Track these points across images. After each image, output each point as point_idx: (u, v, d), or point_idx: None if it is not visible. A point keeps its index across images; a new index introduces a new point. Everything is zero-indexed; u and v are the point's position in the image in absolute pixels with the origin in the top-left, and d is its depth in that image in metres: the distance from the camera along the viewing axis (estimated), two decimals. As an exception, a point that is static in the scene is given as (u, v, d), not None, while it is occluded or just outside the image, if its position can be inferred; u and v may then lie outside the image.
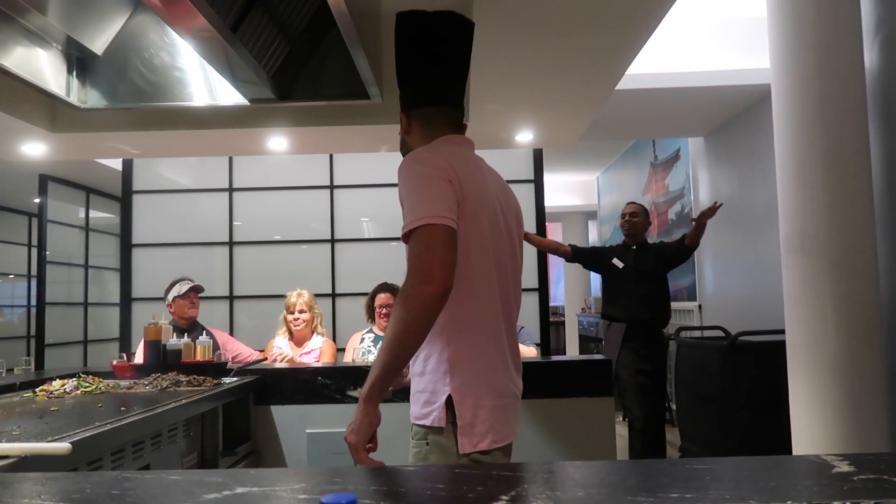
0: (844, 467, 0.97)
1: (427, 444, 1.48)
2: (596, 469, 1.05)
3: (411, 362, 1.54)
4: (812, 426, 3.06)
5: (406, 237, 1.41)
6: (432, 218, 1.37)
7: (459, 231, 1.43)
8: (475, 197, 1.49)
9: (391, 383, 1.39)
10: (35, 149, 3.72)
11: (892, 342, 3.19)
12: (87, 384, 2.56)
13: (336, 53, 2.98)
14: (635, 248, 4.28)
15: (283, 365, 3.40)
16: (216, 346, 3.40)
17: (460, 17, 1.61)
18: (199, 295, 3.81)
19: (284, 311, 3.87)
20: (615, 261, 4.23)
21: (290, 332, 3.84)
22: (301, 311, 3.79)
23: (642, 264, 4.19)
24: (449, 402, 1.46)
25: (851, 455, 1.03)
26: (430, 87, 1.60)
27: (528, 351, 3.76)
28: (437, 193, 1.41)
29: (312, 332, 3.84)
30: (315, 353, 3.78)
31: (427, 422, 1.48)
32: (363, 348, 3.72)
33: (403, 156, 1.60)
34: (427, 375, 1.50)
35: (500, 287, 1.55)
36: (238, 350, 3.80)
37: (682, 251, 4.16)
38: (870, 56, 3.52)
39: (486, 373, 1.50)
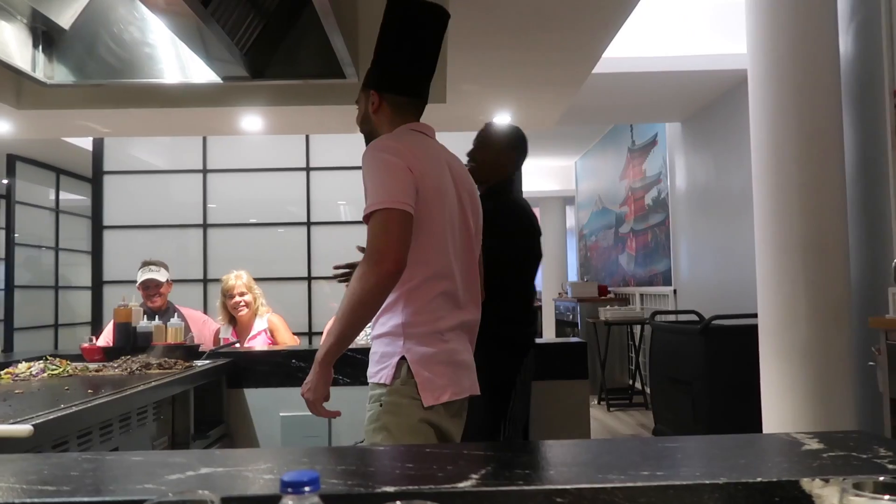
0: (814, 445, 0.97)
1: (381, 405, 1.58)
2: (568, 448, 1.05)
3: (370, 326, 1.65)
4: (782, 407, 3.10)
5: (367, 218, 1.52)
6: (391, 202, 1.49)
7: (417, 213, 1.53)
8: (433, 185, 1.60)
9: (345, 349, 1.53)
10: (0, 126, 3.62)
11: (861, 326, 3.24)
12: (54, 367, 2.50)
13: (311, 31, 2.91)
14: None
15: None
16: (187, 328, 3.35)
17: (444, 10, 1.70)
18: (173, 279, 3.71)
19: (221, 297, 3.57)
20: None
21: (234, 320, 3.59)
22: (241, 294, 3.50)
23: None
24: (402, 363, 1.57)
25: (821, 433, 1.03)
26: (410, 78, 1.69)
27: None
28: (397, 180, 1.52)
29: (255, 315, 3.58)
30: (264, 335, 3.55)
31: (376, 379, 1.60)
32: None
33: (360, 129, 1.77)
34: (384, 338, 1.61)
35: (456, 266, 1.66)
36: (214, 329, 3.72)
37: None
38: (844, 42, 3.54)
39: (440, 340, 1.61)
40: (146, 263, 3.61)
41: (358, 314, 1.48)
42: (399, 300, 1.59)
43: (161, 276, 3.56)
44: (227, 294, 3.55)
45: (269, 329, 3.59)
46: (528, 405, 2.52)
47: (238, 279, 3.54)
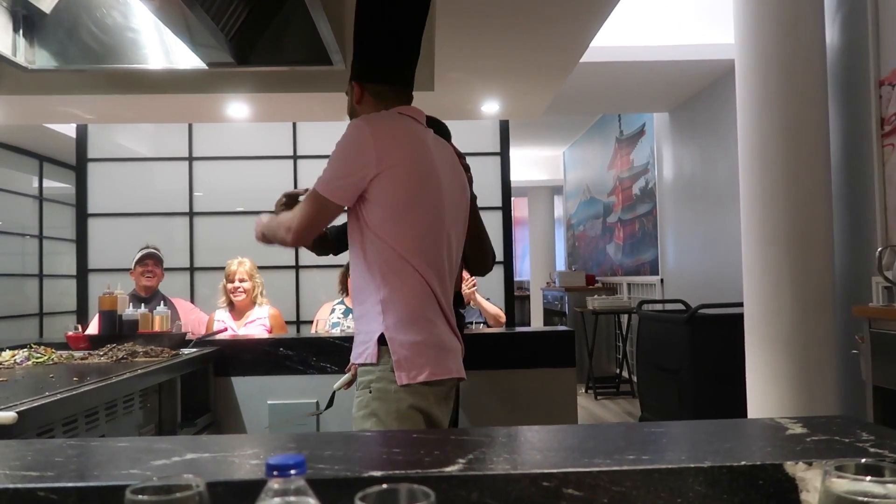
0: (797, 429, 0.98)
1: (370, 392, 1.57)
2: (554, 433, 1.05)
3: (353, 310, 1.69)
4: (767, 395, 3.14)
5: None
6: (331, 192, 1.58)
7: (403, 196, 1.57)
8: (418, 171, 1.60)
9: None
10: (-19, 112, 3.56)
11: (844, 314, 3.27)
12: (38, 355, 2.48)
13: (298, 17, 2.88)
14: None
15: None
16: (176, 316, 3.33)
17: None
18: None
19: (224, 280, 3.67)
20: None
21: (231, 303, 3.66)
22: (241, 281, 3.60)
23: None
24: (382, 341, 1.57)
25: (804, 418, 1.04)
26: (389, 66, 1.67)
27: (493, 308, 3.75)
28: (353, 171, 1.56)
29: (254, 303, 3.67)
30: (260, 322, 3.62)
31: (361, 359, 1.60)
32: (332, 319, 3.66)
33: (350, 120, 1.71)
34: (363, 318, 1.63)
35: (439, 251, 1.64)
36: (202, 319, 3.73)
37: None
38: (831, 33, 3.56)
39: (420, 319, 1.60)
40: (147, 247, 3.71)
41: (271, 234, 1.77)
42: (382, 279, 1.59)
43: (161, 255, 3.67)
44: (228, 278, 3.66)
45: (270, 323, 3.63)
46: None
47: (241, 266, 3.64)
